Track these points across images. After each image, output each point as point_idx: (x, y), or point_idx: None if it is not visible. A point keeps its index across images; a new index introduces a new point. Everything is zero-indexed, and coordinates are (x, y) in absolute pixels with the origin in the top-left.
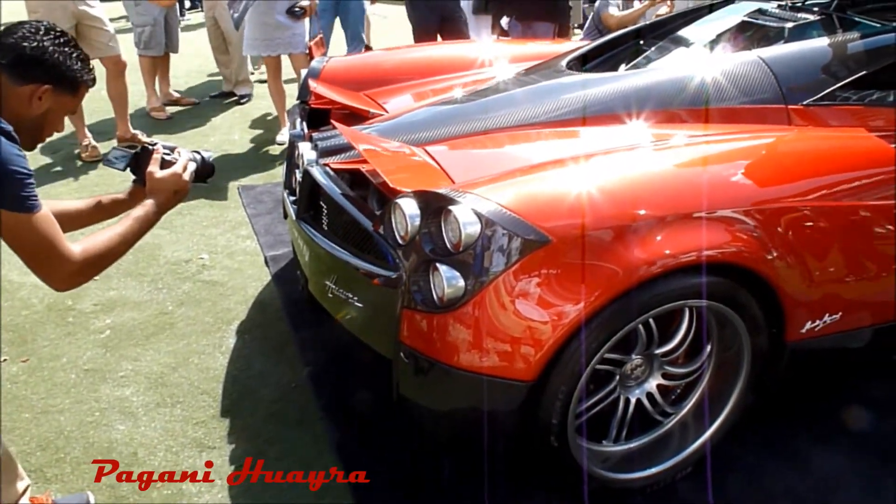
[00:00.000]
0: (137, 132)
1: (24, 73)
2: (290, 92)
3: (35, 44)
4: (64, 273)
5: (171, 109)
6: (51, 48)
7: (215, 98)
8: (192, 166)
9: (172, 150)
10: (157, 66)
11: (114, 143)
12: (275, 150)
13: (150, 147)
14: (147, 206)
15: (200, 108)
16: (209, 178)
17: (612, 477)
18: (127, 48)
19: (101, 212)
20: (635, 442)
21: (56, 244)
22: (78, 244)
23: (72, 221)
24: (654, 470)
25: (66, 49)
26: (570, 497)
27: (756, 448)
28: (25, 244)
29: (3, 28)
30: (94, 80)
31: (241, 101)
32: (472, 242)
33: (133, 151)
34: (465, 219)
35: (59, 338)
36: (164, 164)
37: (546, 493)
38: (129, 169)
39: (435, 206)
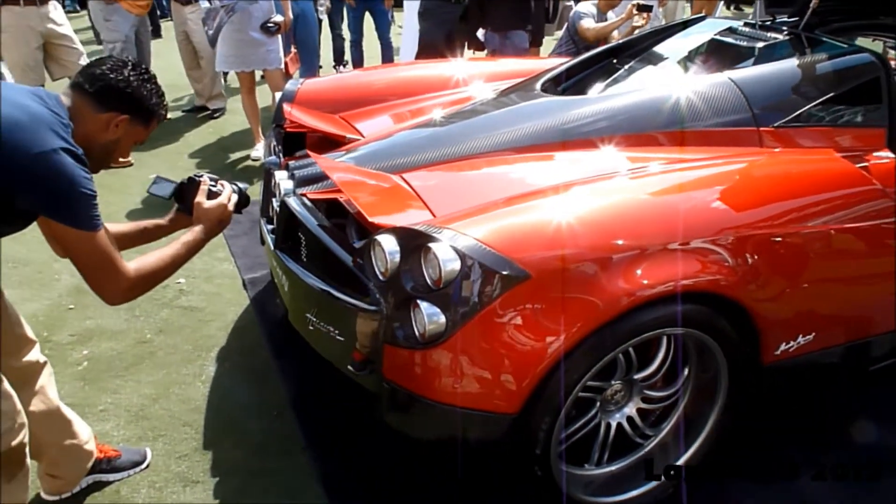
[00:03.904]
0: None
1: (106, 101)
2: (263, 104)
3: (121, 76)
4: (119, 288)
5: None
6: (135, 83)
7: (188, 113)
8: (234, 198)
9: (217, 181)
10: None
11: None
12: (250, 165)
13: (197, 179)
14: (196, 232)
15: (173, 124)
16: (244, 208)
17: (595, 501)
18: None
19: (144, 236)
20: (616, 465)
21: (115, 261)
22: (132, 262)
23: (117, 242)
24: (635, 492)
25: (148, 85)
26: None
27: (735, 470)
28: (88, 259)
29: (90, 61)
30: (165, 116)
31: (215, 115)
32: (453, 279)
33: (179, 182)
34: (445, 256)
35: None
36: (210, 195)
37: None
38: (173, 198)
39: (414, 244)
